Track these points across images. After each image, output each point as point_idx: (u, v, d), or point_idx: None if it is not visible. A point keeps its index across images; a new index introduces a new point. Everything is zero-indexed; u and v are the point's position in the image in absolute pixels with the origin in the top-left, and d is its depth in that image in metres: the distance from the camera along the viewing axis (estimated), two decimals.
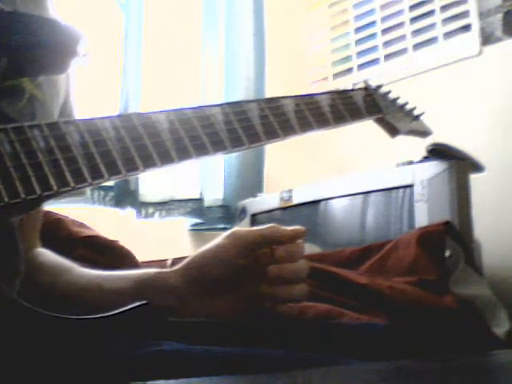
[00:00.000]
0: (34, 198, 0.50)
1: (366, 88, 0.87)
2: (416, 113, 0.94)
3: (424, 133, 0.97)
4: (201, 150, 0.62)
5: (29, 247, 0.76)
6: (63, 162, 0.52)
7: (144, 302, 0.56)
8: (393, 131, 0.89)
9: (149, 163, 0.57)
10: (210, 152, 0.62)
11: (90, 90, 1.72)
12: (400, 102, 0.92)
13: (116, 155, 0.55)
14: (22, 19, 0.61)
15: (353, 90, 0.85)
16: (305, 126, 0.73)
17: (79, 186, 0.52)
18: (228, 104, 0.68)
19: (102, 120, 0.57)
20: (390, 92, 0.91)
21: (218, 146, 0.63)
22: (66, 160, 0.52)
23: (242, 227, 1.83)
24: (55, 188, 0.50)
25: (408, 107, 0.93)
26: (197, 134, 0.62)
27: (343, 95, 0.81)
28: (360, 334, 0.77)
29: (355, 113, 0.81)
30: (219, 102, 0.69)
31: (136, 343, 0.61)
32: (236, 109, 0.68)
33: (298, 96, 0.76)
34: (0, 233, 0.54)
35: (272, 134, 0.68)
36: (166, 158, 0.58)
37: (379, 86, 0.89)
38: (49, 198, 0.51)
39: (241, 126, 0.66)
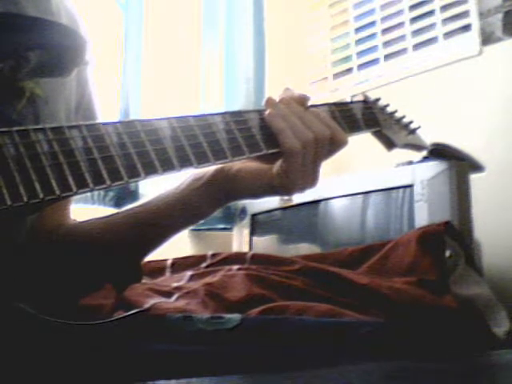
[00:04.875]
0: (36, 202, 0.50)
1: (365, 101, 0.87)
2: (413, 126, 0.94)
3: (420, 147, 0.98)
4: (202, 159, 0.62)
5: (61, 223, 0.77)
6: (66, 167, 0.52)
7: (141, 308, 0.56)
8: (389, 144, 0.90)
9: (150, 170, 0.58)
10: (211, 161, 0.63)
11: None
12: (398, 115, 0.93)
13: (118, 162, 0.55)
14: (29, 21, 0.61)
15: (352, 102, 0.85)
16: None
17: (81, 191, 0.52)
18: (230, 113, 0.69)
19: (105, 125, 0.57)
20: (388, 105, 0.91)
21: (218, 155, 0.64)
22: (69, 165, 0.52)
23: (242, 227, 1.83)
24: (58, 193, 0.51)
25: (405, 121, 0.93)
26: (198, 142, 0.63)
27: (342, 107, 0.81)
28: (359, 333, 0.77)
29: (353, 125, 0.82)
30: (221, 111, 0.69)
31: (134, 345, 0.61)
32: (237, 118, 0.68)
33: None
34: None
35: (272, 144, 0.69)
36: (167, 166, 0.59)
37: (377, 99, 0.90)
38: (51, 201, 0.51)
39: (242, 136, 0.67)
